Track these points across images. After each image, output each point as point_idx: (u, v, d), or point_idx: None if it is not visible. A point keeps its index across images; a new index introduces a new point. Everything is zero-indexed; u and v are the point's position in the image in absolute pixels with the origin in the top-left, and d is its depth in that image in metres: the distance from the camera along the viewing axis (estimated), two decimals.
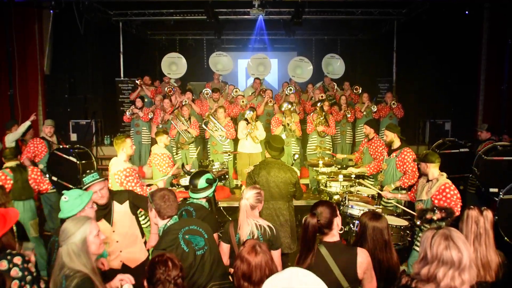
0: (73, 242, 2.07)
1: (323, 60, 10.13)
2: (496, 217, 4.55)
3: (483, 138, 6.43)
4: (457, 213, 3.45)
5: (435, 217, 2.59)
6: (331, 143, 7.32)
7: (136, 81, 8.76)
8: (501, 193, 4.74)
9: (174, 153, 7.40)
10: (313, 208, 2.41)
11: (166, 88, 8.60)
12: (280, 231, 3.70)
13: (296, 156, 5.89)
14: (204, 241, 2.55)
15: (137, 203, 3.42)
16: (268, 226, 2.81)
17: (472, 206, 2.55)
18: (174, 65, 10.09)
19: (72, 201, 2.61)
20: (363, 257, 2.33)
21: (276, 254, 2.74)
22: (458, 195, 3.66)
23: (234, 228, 2.86)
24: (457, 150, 6.22)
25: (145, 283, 1.96)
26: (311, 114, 7.17)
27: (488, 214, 2.52)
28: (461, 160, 6.19)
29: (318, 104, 6.99)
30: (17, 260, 2.24)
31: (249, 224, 2.76)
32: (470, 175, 6.34)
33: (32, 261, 2.45)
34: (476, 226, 2.46)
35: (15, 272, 2.21)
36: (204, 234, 2.59)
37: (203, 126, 7.20)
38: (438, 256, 1.78)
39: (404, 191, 4.86)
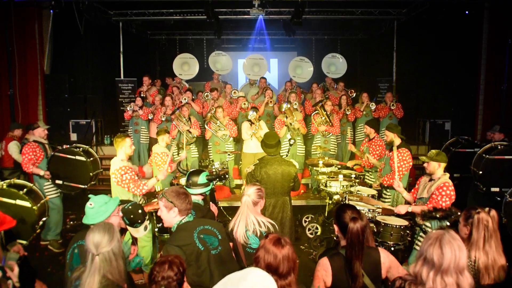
0: (110, 249, 2.01)
1: (323, 60, 10.06)
2: (505, 220, 4.56)
3: (496, 139, 6.30)
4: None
5: (437, 215, 2.58)
6: (335, 143, 7.29)
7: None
8: (507, 195, 4.73)
9: (175, 154, 7.39)
10: (344, 213, 2.40)
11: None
12: (286, 226, 3.98)
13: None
14: (218, 241, 2.55)
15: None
16: (270, 223, 2.83)
17: (479, 210, 2.51)
18: (186, 65, 10.01)
19: (97, 208, 2.52)
20: (384, 257, 2.37)
21: None
22: (453, 197, 3.66)
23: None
24: (472, 150, 6.21)
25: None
26: (312, 114, 7.14)
27: (495, 214, 2.53)
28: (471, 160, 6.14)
29: (320, 104, 6.99)
30: None
31: (251, 222, 2.77)
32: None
33: (15, 272, 2.41)
34: (487, 229, 2.46)
35: None
36: (218, 234, 2.59)
37: (206, 126, 7.19)
38: (423, 253, 1.81)
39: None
